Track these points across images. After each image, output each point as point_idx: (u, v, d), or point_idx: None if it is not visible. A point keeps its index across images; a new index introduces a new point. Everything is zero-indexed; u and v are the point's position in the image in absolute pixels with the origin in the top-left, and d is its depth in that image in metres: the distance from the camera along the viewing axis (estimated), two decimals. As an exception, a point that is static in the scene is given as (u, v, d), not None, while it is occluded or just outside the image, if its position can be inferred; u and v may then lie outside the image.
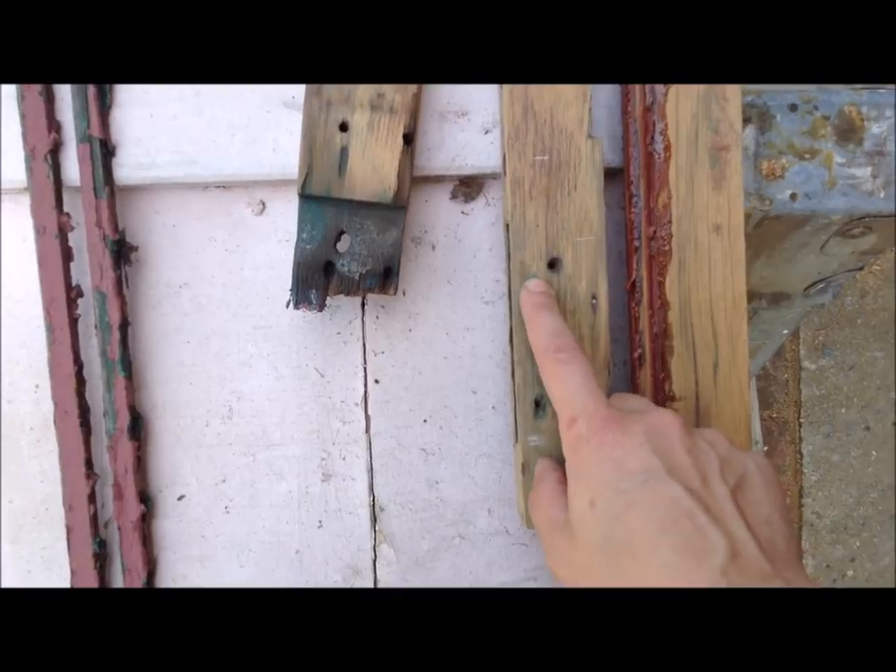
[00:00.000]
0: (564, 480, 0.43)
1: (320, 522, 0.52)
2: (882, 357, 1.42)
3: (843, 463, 1.42)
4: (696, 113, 0.46)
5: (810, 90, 0.55)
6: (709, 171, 0.46)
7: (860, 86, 0.57)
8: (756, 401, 1.24)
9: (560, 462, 0.44)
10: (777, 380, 1.42)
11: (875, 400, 1.42)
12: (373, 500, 0.52)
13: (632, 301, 0.48)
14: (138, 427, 0.50)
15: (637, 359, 0.47)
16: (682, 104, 0.46)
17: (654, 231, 0.46)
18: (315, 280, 0.47)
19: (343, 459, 0.52)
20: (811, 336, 1.42)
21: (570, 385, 0.42)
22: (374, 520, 0.52)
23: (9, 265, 0.51)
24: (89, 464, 0.49)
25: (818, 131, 0.53)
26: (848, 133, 0.54)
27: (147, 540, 0.51)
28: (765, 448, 1.37)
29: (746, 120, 0.52)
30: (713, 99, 0.46)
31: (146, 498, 0.50)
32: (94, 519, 0.49)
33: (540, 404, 0.47)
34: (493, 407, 0.52)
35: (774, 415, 1.42)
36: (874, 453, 1.42)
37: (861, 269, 0.65)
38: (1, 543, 0.51)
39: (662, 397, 0.46)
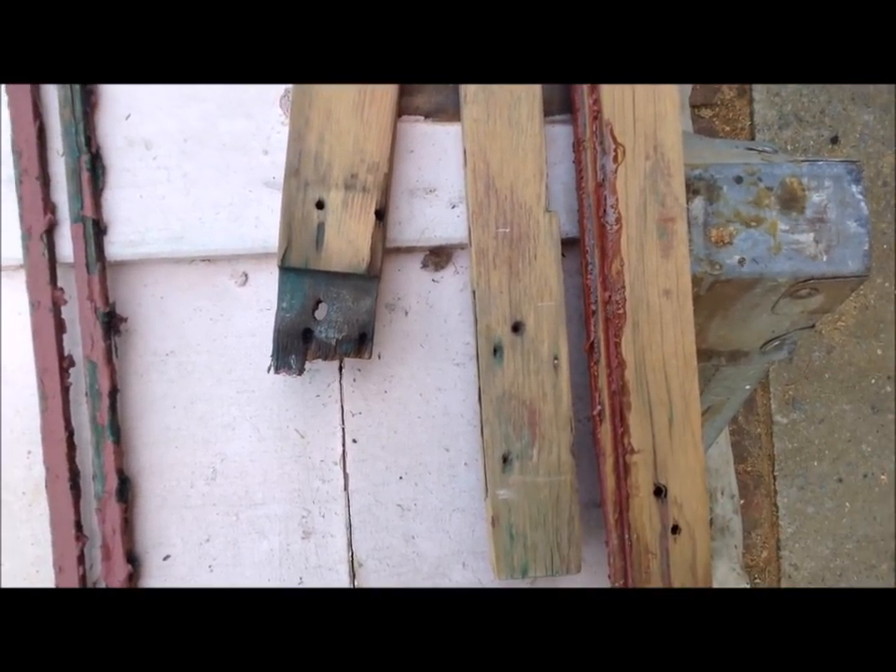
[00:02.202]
0: None
1: (301, 578, 0.54)
2: (850, 410, 1.45)
3: (818, 515, 1.45)
4: (644, 188, 0.50)
5: (754, 163, 0.59)
6: (658, 241, 0.50)
7: (801, 158, 0.61)
8: (731, 455, 1.27)
9: None
10: (751, 434, 1.45)
11: (845, 453, 1.45)
12: (352, 556, 0.54)
13: (591, 361, 0.51)
14: (126, 490, 0.52)
15: (598, 415, 0.50)
16: (631, 180, 0.50)
17: (609, 296, 0.50)
18: (295, 346, 0.50)
19: (323, 517, 0.54)
20: (781, 391, 1.46)
21: None
22: (353, 575, 0.54)
23: (5, 337, 0.53)
24: (78, 526, 0.51)
25: (762, 200, 0.57)
26: (791, 202, 0.58)
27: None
28: (742, 501, 1.40)
29: (695, 192, 0.56)
30: (659, 175, 0.50)
31: (133, 559, 0.52)
32: (83, 579, 0.51)
33: (508, 459, 0.49)
34: (465, 463, 0.54)
35: (748, 469, 1.45)
36: (847, 504, 1.45)
37: (812, 326, 0.68)
38: (-9, 606, 0.53)
39: (621, 450, 0.49)
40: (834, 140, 1.46)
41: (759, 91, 1.45)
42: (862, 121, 1.46)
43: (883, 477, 1.46)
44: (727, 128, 1.45)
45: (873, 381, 1.47)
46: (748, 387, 0.81)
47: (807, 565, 1.45)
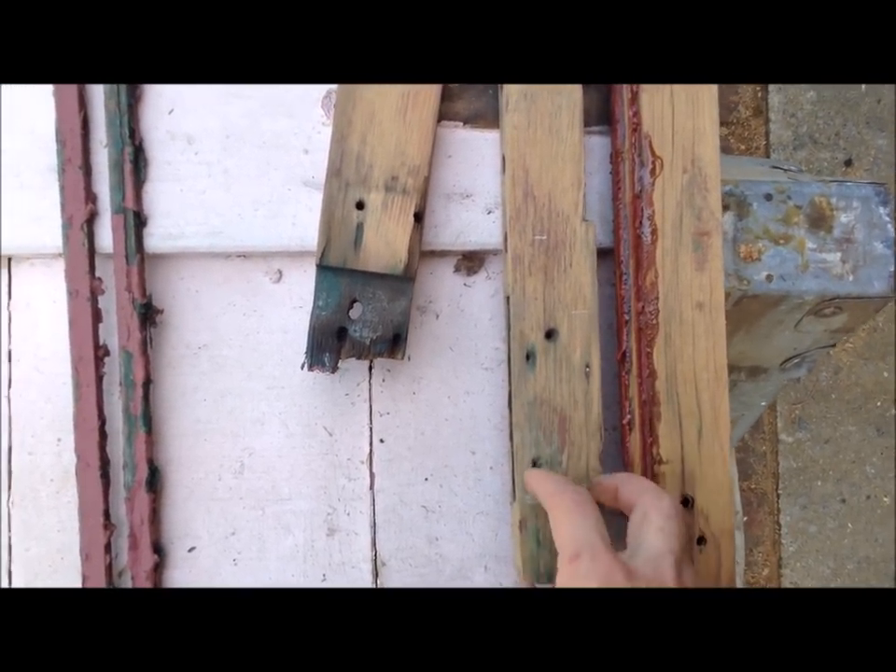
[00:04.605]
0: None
1: (324, 575, 0.54)
2: (856, 432, 1.46)
3: (820, 535, 1.45)
4: (680, 201, 0.51)
5: (783, 181, 0.60)
6: (693, 254, 0.50)
7: (829, 178, 0.62)
8: (736, 472, 1.28)
9: None
10: (756, 452, 1.46)
11: (849, 473, 1.46)
12: (375, 555, 0.54)
13: (622, 370, 0.51)
14: (155, 481, 0.52)
15: (627, 425, 0.51)
16: (668, 192, 0.51)
17: (643, 307, 0.50)
18: (329, 344, 0.51)
19: (348, 515, 0.54)
20: (788, 410, 1.47)
21: (582, 525, 0.43)
22: (376, 574, 0.54)
23: (39, 325, 0.54)
24: (107, 515, 0.52)
25: (791, 218, 0.58)
26: (819, 221, 0.59)
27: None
28: (745, 518, 1.40)
29: (725, 207, 0.57)
30: (696, 189, 0.51)
31: (158, 549, 0.53)
32: (109, 568, 0.52)
33: (537, 464, 0.50)
34: (490, 467, 0.55)
35: (753, 486, 1.46)
36: (849, 525, 1.46)
37: (833, 346, 0.69)
38: (14, 592, 0.53)
39: (649, 460, 0.50)
40: (848, 163, 1.47)
41: (775, 111, 1.46)
42: (876, 145, 1.47)
43: (886, 499, 1.46)
44: (742, 146, 1.46)
45: (878, 403, 1.47)
46: (763, 404, 0.81)
47: (808, 584, 1.46)
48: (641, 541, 0.43)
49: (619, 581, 0.40)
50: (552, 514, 0.45)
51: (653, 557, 0.42)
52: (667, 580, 0.41)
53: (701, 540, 0.50)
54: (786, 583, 1.46)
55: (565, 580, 0.42)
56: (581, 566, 0.41)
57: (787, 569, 1.46)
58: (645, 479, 0.48)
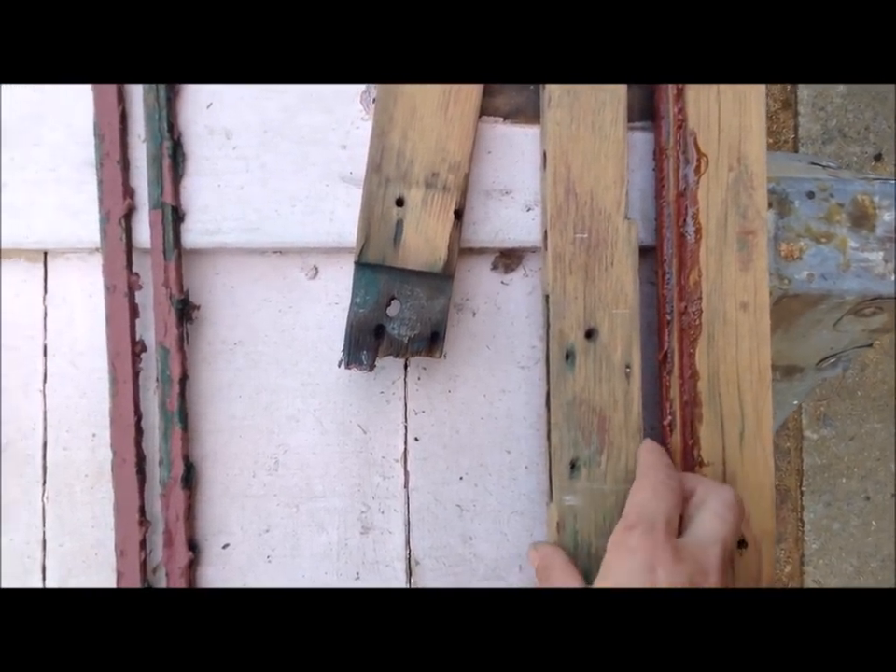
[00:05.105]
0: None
1: (357, 574, 0.54)
2: (881, 429, 1.45)
3: (843, 532, 1.45)
4: (725, 199, 0.50)
5: (824, 179, 0.59)
6: (737, 253, 0.50)
7: (872, 176, 0.61)
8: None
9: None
10: (780, 448, 1.45)
11: (874, 471, 1.45)
12: (409, 554, 0.54)
13: (663, 371, 0.51)
14: (191, 477, 0.52)
15: (668, 426, 0.50)
16: (713, 190, 0.50)
17: (685, 307, 0.50)
18: (367, 342, 0.50)
19: (382, 513, 0.54)
20: (813, 407, 1.45)
21: (652, 501, 0.44)
22: (410, 573, 0.54)
23: (74, 320, 0.54)
24: (142, 511, 0.51)
25: (833, 217, 0.57)
26: (861, 219, 0.58)
27: (193, 587, 0.53)
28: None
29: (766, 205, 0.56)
30: (741, 187, 0.50)
31: (193, 546, 0.52)
32: (144, 565, 0.51)
33: (575, 465, 0.49)
34: (526, 467, 0.54)
35: (777, 483, 1.44)
36: (873, 523, 1.45)
37: (870, 345, 0.68)
38: (47, 586, 0.53)
39: (690, 461, 0.49)
40: (878, 157, 1.45)
41: (804, 104, 1.44)
42: (906, 140, 1.45)
43: (911, 497, 1.46)
44: (770, 140, 1.44)
45: (904, 400, 1.47)
46: (795, 403, 0.80)
47: (830, 581, 1.45)
48: (695, 522, 0.44)
49: (665, 560, 0.41)
50: (637, 482, 0.47)
51: (703, 542, 0.42)
52: (711, 570, 0.42)
53: (742, 543, 0.49)
54: (808, 581, 1.45)
55: (614, 545, 0.44)
56: (633, 536, 0.42)
57: (809, 566, 1.45)
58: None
